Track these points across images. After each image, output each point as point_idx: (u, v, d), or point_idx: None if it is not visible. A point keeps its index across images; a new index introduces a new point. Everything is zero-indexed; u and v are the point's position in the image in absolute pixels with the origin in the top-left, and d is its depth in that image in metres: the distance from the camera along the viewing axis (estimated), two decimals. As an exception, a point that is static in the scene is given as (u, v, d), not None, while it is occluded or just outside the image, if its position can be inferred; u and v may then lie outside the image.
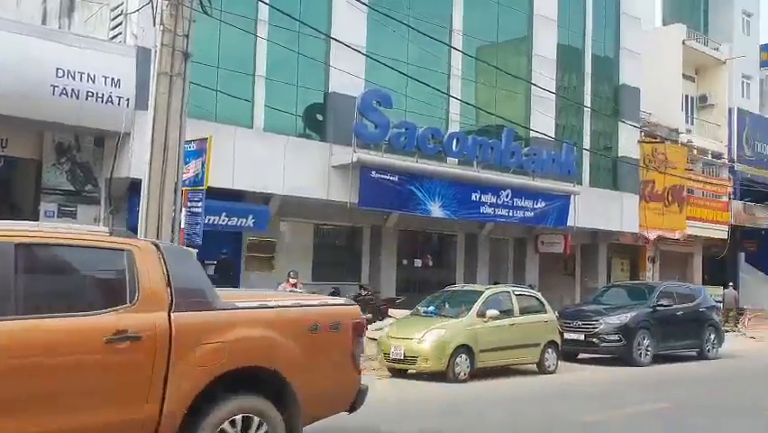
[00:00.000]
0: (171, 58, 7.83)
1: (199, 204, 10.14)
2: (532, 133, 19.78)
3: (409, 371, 11.68)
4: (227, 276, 15.22)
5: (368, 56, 14.80)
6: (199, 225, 10.14)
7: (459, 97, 18.17)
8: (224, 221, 14.60)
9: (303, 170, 15.64)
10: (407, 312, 14.00)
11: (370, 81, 16.41)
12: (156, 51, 7.88)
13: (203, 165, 10.18)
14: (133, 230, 7.21)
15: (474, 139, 18.25)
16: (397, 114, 16.89)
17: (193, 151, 10.10)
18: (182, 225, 9.13)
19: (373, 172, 16.24)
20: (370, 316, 16.42)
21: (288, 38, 15.01)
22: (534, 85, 19.05)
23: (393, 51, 16.03)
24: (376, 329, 14.59)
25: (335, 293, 17.32)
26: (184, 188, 8.94)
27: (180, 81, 7.90)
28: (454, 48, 18.00)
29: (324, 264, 18.07)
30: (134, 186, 11.45)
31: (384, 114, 16.29)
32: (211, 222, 13.43)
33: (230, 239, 15.95)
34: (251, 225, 15.26)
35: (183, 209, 9.18)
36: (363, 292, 17.58)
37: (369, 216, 17.67)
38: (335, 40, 14.09)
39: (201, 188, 10.18)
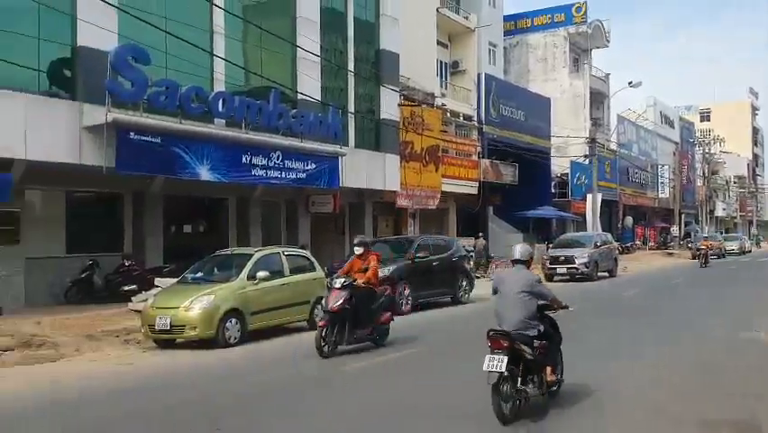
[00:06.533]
0: None
1: None
2: (299, 96, 19.88)
3: (177, 340, 11.35)
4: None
5: (119, 8, 13.61)
6: None
7: (222, 56, 17.62)
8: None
9: (49, 132, 14.17)
10: (175, 280, 13.49)
11: (124, 36, 15.17)
12: None
13: None
14: None
15: (242, 100, 17.84)
16: (157, 72, 15.87)
17: None
18: None
19: (132, 134, 15.13)
20: (134, 287, 15.62)
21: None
22: (299, 47, 19.11)
23: (148, 5, 15.12)
24: (141, 300, 13.92)
25: (93, 265, 16.20)
26: None
27: None
28: (215, 5, 17.42)
29: (79, 235, 16.67)
30: None
31: (142, 71, 15.15)
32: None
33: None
34: (-8, 194, 13.59)
35: None
36: (127, 263, 16.61)
37: (130, 181, 16.53)
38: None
39: None
